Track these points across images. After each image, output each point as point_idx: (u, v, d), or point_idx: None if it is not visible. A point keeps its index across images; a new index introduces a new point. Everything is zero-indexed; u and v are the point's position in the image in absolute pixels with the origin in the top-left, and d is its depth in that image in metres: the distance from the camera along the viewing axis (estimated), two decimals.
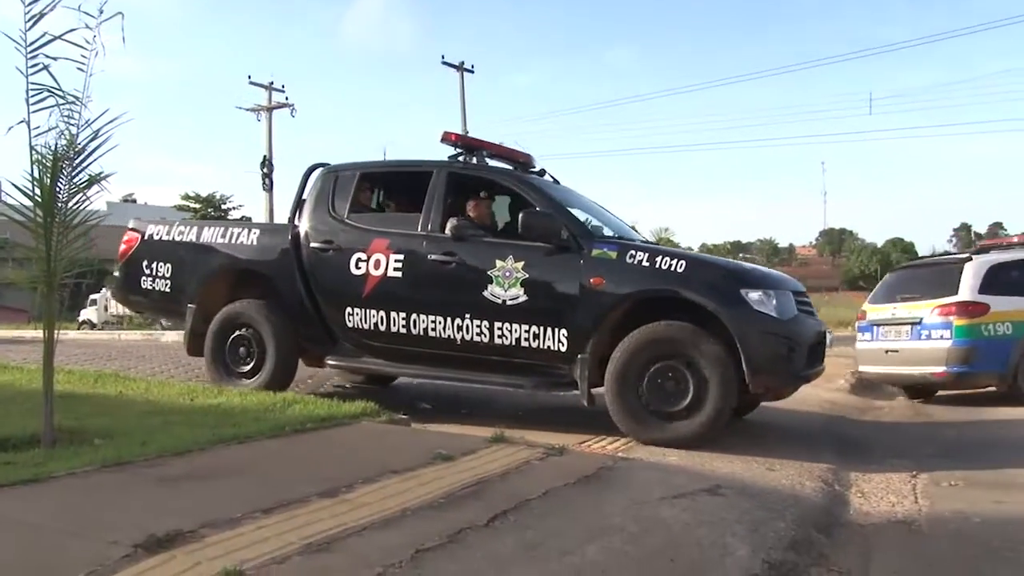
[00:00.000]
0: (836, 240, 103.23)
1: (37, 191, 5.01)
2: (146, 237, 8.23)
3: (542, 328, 6.33)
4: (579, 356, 6.23)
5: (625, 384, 6.03)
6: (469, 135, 8.48)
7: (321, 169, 7.78)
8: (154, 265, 8.03)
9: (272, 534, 3.30)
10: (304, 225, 7.46)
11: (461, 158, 7.39)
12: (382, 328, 6.94)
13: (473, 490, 4.14)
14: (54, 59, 4.87)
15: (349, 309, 7.08)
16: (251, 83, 30.28)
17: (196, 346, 7.82)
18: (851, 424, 7.64)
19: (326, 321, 7.29)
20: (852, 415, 8.63)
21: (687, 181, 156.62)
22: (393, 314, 6.89)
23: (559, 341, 6.29)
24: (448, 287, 6.77)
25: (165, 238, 8.16)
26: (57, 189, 5.06)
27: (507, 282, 6.42)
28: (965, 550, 4.06)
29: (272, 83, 30.24)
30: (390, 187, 7.99)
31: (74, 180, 5.15)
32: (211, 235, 7.96)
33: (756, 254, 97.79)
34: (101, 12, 4.90)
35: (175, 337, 18.13)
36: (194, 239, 8.02)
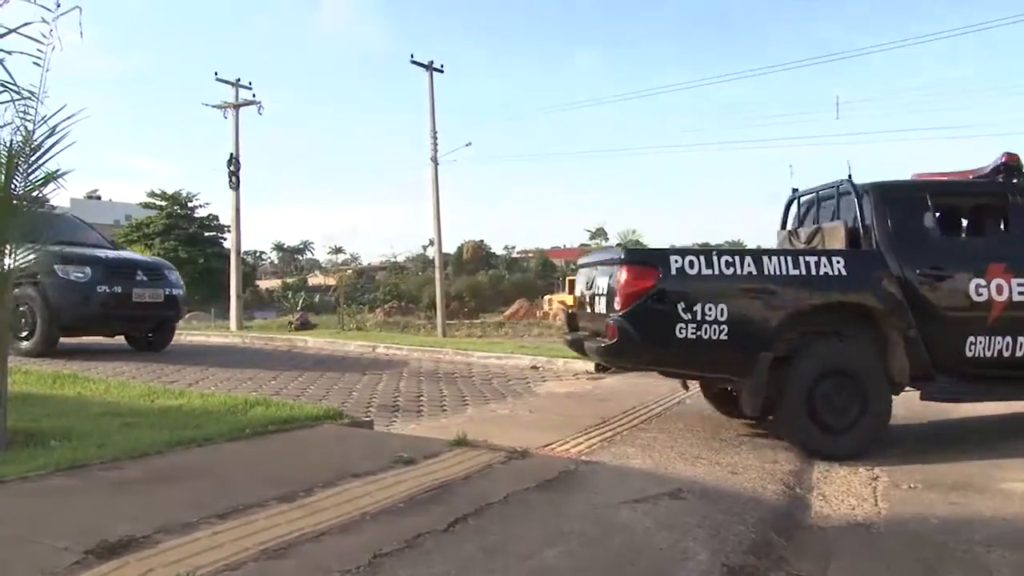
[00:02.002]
0: None
1: None
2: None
3: None
4: None
5: None
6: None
7: None
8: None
9: (228, 540, 3.25)
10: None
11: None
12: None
13: (434, 494, 4.11)
14: (8, 53, 4.78)
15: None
16: (218, 79, 29.96)
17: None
18: None
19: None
20: None
21: (656, 183, 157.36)
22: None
23: None
24: None
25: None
26: (12, 187, 4.97)
27: None
28: (922, 551, 4.09)
29: (239, 80, 29.92)
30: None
31: (30, 177, 5.05)
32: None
33: None
34: (58, 6, 4.82)
35: None
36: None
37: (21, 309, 9.97)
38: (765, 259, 6.19)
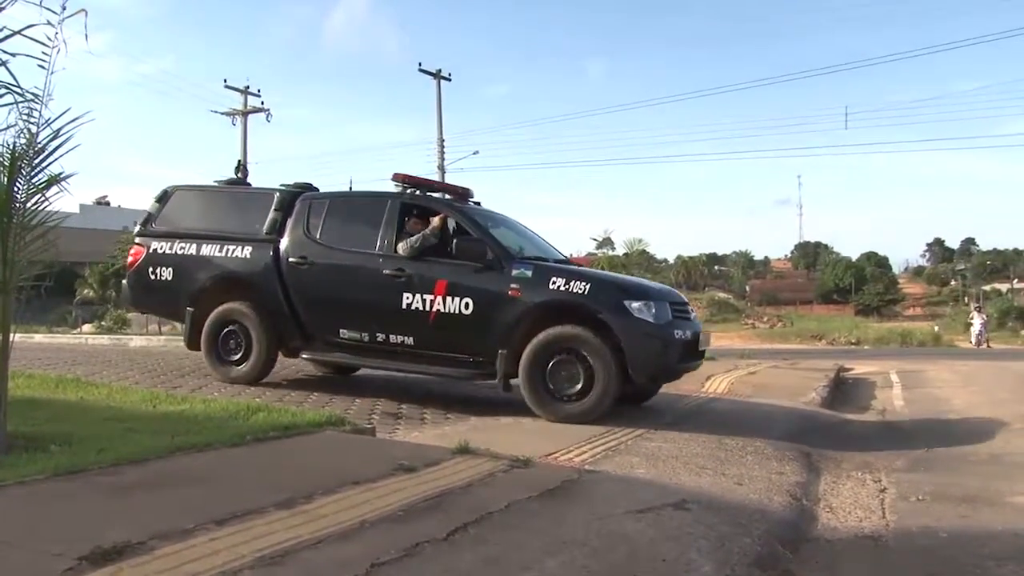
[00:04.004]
0: (811, 253, 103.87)
1: None
2: None
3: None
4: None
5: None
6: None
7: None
8: None
9: (224, 546, 3.21)
10: None
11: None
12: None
13: (434, 502, 4.06)
14: (12, 55, 4.76)
15: None
16: (227, 87, 30.10)
17: None
18: (822, 438, 7.62)
19: None
20: (823, 429, 8.61)
21: (665, 193, 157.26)
22: None
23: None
24: None
25: None
26: (15, 189, 4.94)
27: None
28: (931, 566, 4.03)
29: (248, 87, 30.06)
30: None
31: (33, 180, 5.03)
32: None
33: (731, 266, 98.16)
34: (64, 8, 4.81)
35: (142, 342, 17.93)
36: None
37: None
38: None
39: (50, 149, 5.01)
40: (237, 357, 8.77)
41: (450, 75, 32.20)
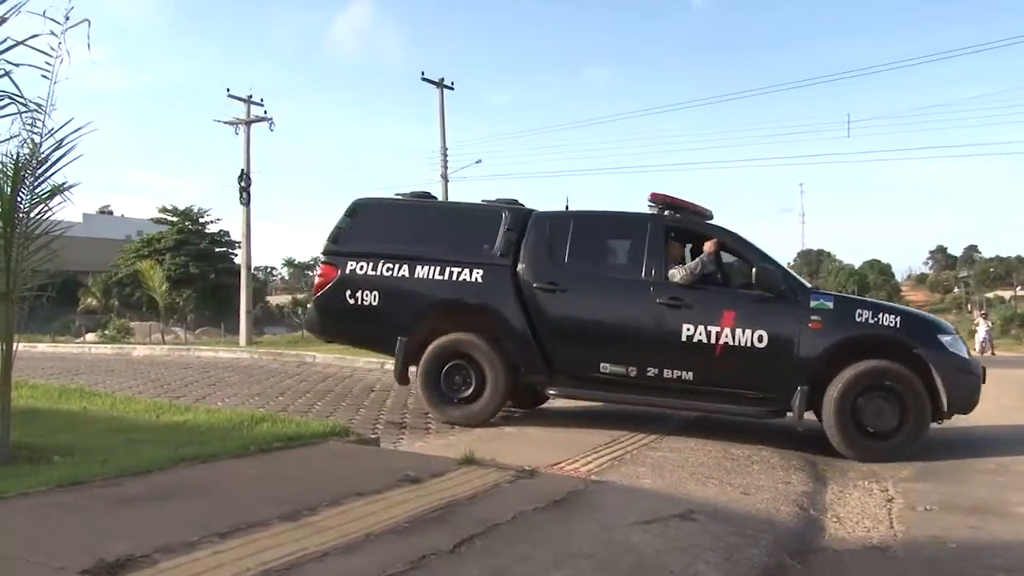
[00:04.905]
0: (814, 261, 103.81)
1: None
2: None
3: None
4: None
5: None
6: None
7: None
8: None
9: (229, 560, 3.18)
10: None
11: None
12: None
13: (440, 514, 4.03)
14: (16, 65, 4.76)
15: None
16: (230, 96, 30.07)
17: None
18: (827, 448, 7.58)
19: None
20: (827, 439, 8.56)
21: None
22: None
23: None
24: None
25: None
26: (18, 199, 4.94)
27: None
28: None
29: (251, 96, 30.02)
30: None
31: (36, 190, 5.03)
32: None
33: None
34: (67, 19, 4.81)
35: (145, 352, 17.92)
36: None
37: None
38: None
39: (53, 159, 5.02)
40: (466, 394, 7.83)
41: (453, 84, 32.21)
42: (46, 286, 5.79)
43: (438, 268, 7.90)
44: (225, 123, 30.36)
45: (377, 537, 3.59)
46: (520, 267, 7.81)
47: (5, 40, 4.71)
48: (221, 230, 51.24)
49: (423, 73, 31.55)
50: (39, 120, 4.94)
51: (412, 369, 8.11)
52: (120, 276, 46.38)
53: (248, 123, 30.08)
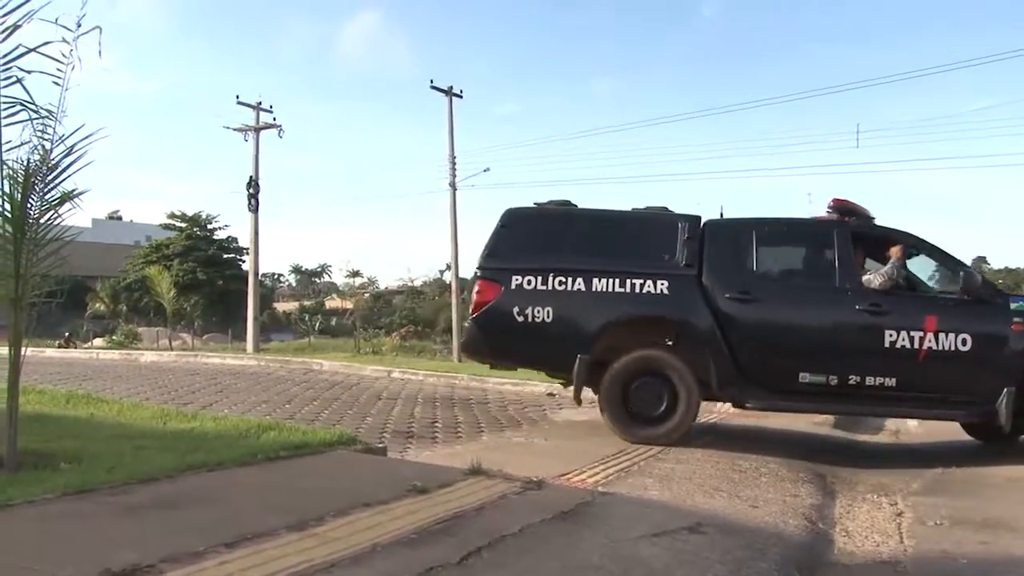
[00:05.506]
0: None
1: (7, 206, 4.89)
2: None
3: None
4: None
5: None
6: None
7: None
8: None
9: (235, 570, 3.17)
10: None
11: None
12: None
13: (447, 525, 4.01)
14: (28, 72, 4.77)
15: None
16: (239, 103, 30.20)
17: None
18: (835, 459, 7.54)
19: None
20: (836, 450, 8.53)
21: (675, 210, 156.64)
22: None
23: None
24: None
25: None
26: (28, 205, 4.94)
27: None
28: None
29: (260, 103, 30.14)
30: None
31: (46, 197, 5.03)
32: None
33: None
34: (79, 25, 4.82)
35: (153, 358, 17.95)
36: None
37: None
38: None
39: (63, 165, 5.02)
40: (658, 413, 7.44)
41: (462, 92, 32.26)
42: (55, 292, 5.79)
43: (617, 280, 7.58)
44: (234, 129, 30.51)
45: (384, 548, 3.57)
46: (705, 277, 7.61)
47: (17, 47, 4.73)
48: (229, 236, 51.47)
49: (432, 81, 31.60)
50: (50, 126, 4.95)
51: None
52: (128, 281, 46.58)
53: (257, 130, 30.21)
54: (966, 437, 9.04)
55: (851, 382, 7.30)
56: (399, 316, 54.21)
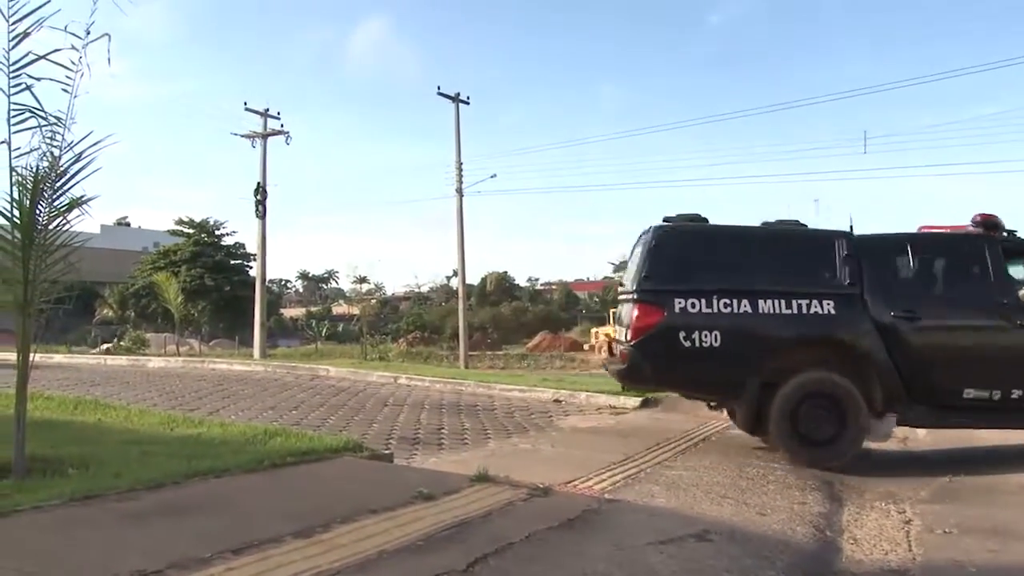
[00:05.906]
0: None
1: (16, 213, 4.91)
2: None
3: None
4: None
5: None
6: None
7: None
8: None
9: None
10: None
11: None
12: None
13: (453, 532, 4.00)
14: (37, 79, 4.79)
15: None
16: (247, 109, 30.27)
17: None
18: (843, 466, 7.50)
19: None
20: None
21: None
22: None
23: None
24: None
25: None
26: (37, 212, 4.96)
27: None
28: None
29: (267, 110, 30.20)
30: None
31: (55, 203, 5.05)
32: None
33: None
34: (88, 33, 4.84)
35: (160, 363, 17.99)
36: None
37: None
38: None
39: (72, 172, 5.03)
40: (828, 435, 7.27)
41: (468, 99, 32.32)
42: (63, 298, 5.80)
43: (783, 301, 7.42)
44: (242, 136, 30.57)
45: (390, 555, 3.57)
46: (867, 294, 7.51)
47: (27, 54, 4.76)
48: (236, 242, 51.54)
49: (439, 88, 31.67)
50: (58, 133, 4.97)
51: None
52: (136, 287, 46.65)
53: (265, 136, 30.27)
54: (975, 444, 9.00)
55: (1014, 396, 7.33)
56: (406, 322, 54.29)
